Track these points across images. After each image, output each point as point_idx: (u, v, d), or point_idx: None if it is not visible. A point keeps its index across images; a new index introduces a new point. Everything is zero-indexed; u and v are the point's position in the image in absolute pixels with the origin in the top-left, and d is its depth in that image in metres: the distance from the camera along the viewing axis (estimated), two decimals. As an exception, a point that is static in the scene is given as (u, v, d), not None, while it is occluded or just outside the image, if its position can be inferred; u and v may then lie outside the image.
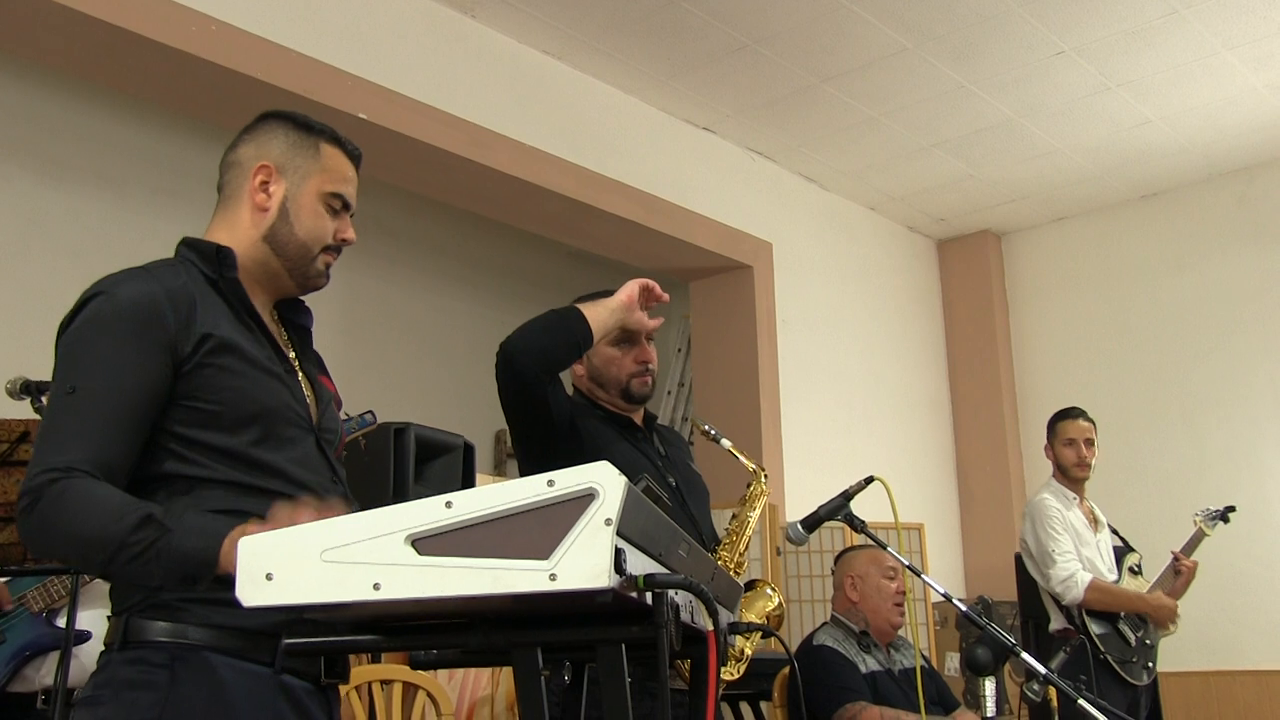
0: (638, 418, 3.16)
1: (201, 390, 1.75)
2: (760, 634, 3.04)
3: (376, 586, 1.29)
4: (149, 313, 1.74)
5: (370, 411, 3.74)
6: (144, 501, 1.65)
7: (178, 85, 4.21)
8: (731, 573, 3.10)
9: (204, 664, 1.69)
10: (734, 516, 3.21)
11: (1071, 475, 4.70)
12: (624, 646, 1.39)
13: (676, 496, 3.07)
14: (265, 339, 1.88)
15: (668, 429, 3.34)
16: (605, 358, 3.03)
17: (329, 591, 1.31)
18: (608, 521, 1.25)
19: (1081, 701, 2.28)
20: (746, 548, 3.16)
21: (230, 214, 1.93)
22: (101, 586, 3.15)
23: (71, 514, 1.62)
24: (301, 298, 2.03)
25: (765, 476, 3.22)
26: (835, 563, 4.20)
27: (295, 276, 1.94)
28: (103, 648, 1.76)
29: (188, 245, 1.90)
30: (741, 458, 3.19)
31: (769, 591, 3.21)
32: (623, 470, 2.88)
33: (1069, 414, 4.80)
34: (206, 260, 1.87)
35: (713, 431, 3.22)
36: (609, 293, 2.93)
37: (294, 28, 4.25)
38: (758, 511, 3.10)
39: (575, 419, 2.94)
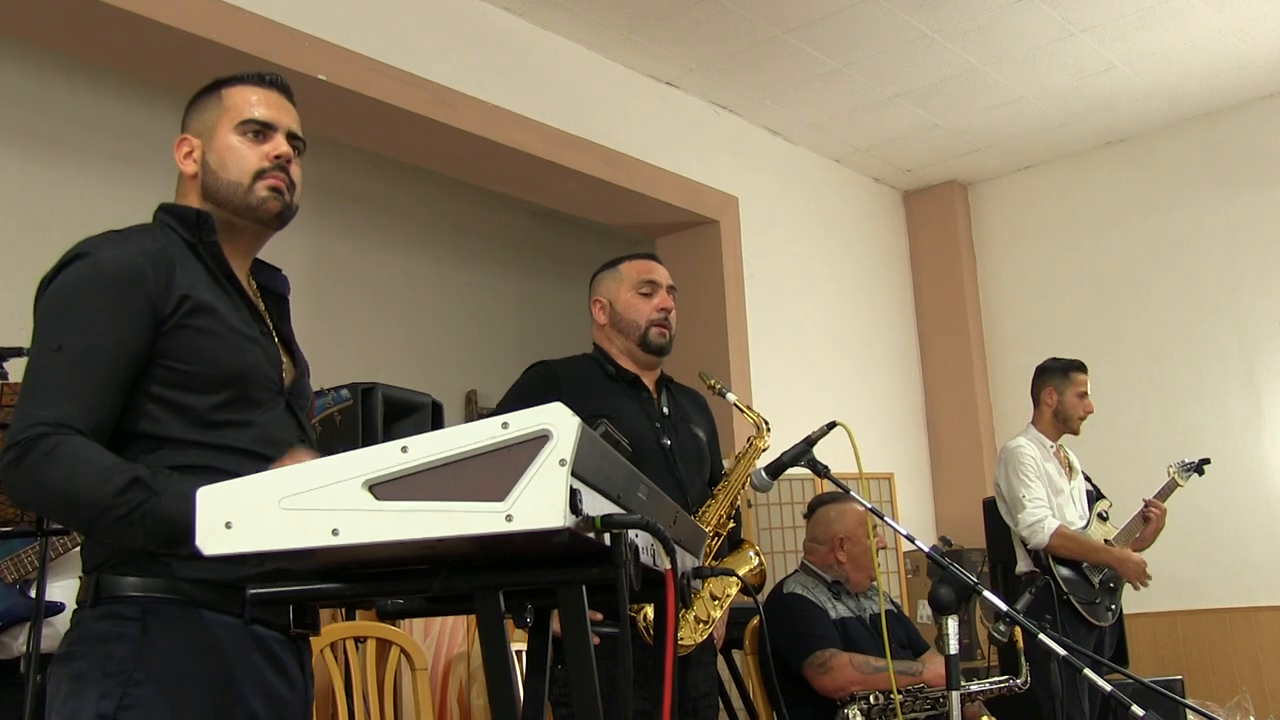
0: (648, 378, 3.21)
1: (177, 351, 1.79)
2: (727, 596, 3.09)
3: (335, 532, 1.31)
4: (131, 275, 1.77)
5: (346, 387, 3.81)
6: (131, 463, 1.69)
7: (133, 49, 4.15)
8: (714, 529, 3.13)
9: (175, 616, 1.73)
10: (725, 474, 3.25)
11: (1072, 426, 4.75)
12: (585, 588, 1.41)
13: (668, 459, 3.10)
14: (243, 303, 1.92)
15: (689, 393, 3.37)
16: (627, 302, 3.16)
17: (288, 538, 1.33)
18: (562, 462, 1.27)
19: (1042, 636, 2.32)
20: (733, 505, 3.20)
21: (178, 195, 1.98)
22: (74, 556, 3.15)
23: (61, 471, 1.65)
24: (279, 267, 2.07)
25: (769, 430, 3.28)
26: (810, 513, 4.12)
27: (246, 214, 1.94)
28: (74, 606, 1.79)
29: (166, 210, 1.94)
30: (745, 411, 3.29)
31: (751, 554, 3.24)
32: (618, 421, 2.93)
33: (1080, 366, 4.81)
34: (186, 225, 1.90)
35: (718, 385, 3.32)
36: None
37: (250, -13, 4.20)
38: (755, 467, 3.16)
39: (567, 380, 3.06)
